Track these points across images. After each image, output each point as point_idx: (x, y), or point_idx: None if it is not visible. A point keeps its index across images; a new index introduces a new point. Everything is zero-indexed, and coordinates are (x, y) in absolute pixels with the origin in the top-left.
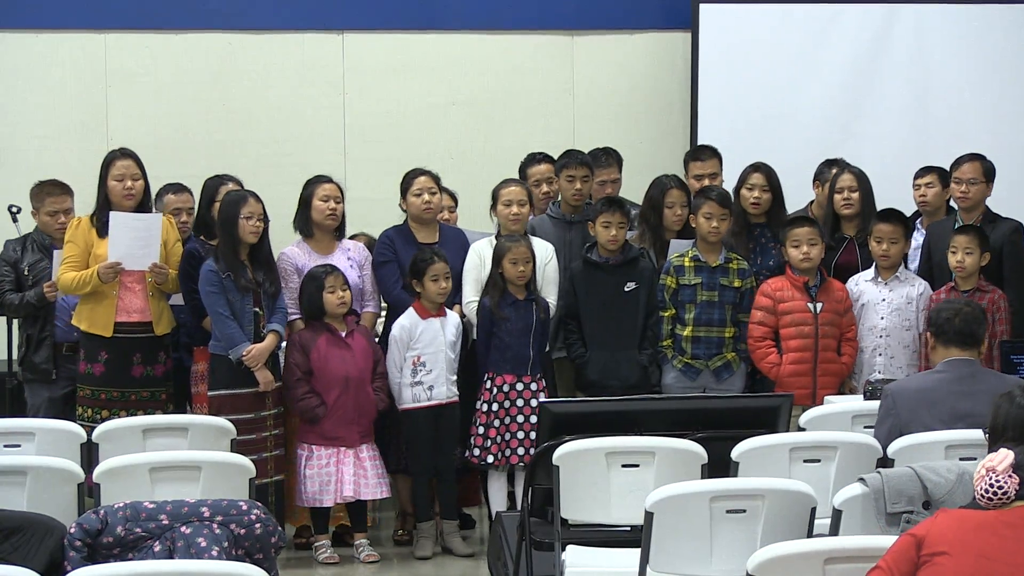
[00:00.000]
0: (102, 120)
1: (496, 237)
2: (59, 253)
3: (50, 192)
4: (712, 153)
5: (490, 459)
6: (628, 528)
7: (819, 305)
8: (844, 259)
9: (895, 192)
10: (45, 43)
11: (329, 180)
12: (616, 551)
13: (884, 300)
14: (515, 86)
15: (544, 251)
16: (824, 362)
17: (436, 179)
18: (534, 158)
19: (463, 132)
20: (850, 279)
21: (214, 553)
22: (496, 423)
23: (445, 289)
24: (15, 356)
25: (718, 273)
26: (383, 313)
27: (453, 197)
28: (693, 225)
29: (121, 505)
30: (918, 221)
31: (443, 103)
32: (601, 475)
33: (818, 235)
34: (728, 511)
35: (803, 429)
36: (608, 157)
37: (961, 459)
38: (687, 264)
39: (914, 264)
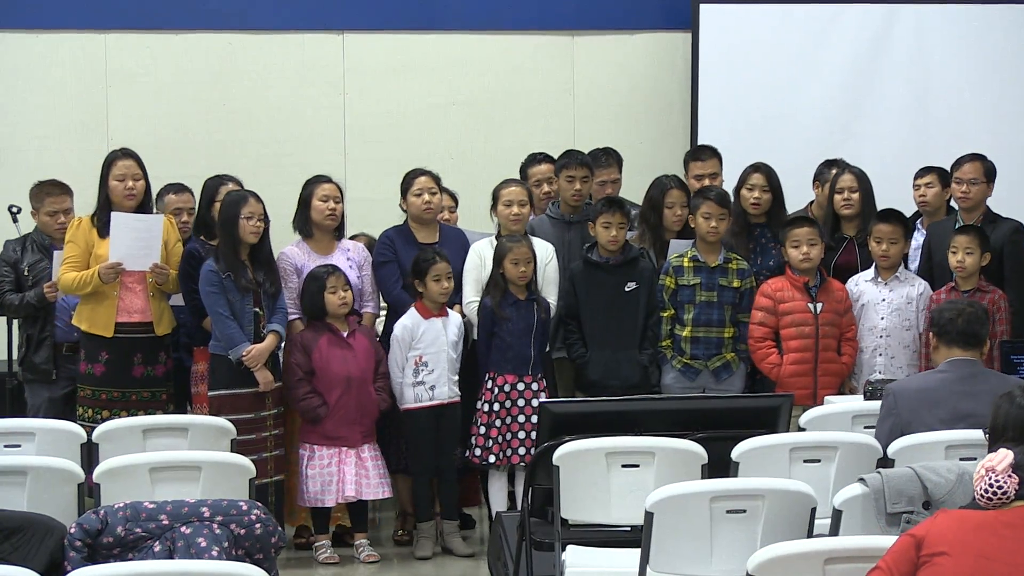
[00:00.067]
0: (102, 120)
1: (496, 237)
2: (59, 253)
3: (50, 192)
4: (712, 153)
5: (491, 459)
6: (628, 528)
7: (819, 305)
8: (844, 259)
9: (895, 192)
10: (45, 43)
11: (328, 180)
12: (616, 551)
13: (884, 300)
14: (515, 86)
15: (544, 251)
16: (824, 362)
17: (436, 179)
18: (535, 158)
19: (463, 132)
20: (850, 279)
21: (214, 553)
22: (497, 423)
23: (447, 289)
24: (15, 356)
25: (717, 273)
26: (382, 313)
27: (453, 197)
28: (692, 225)
29: (121, 505)
30: (918, 221)
31: (443, 103)
32: (601, 475)
33: (818, 235)
34: (728, 511)
35: (803, 429)
36: (608, 157)
37: (961, 459)
38: (686, 264)
39: (914, 264)
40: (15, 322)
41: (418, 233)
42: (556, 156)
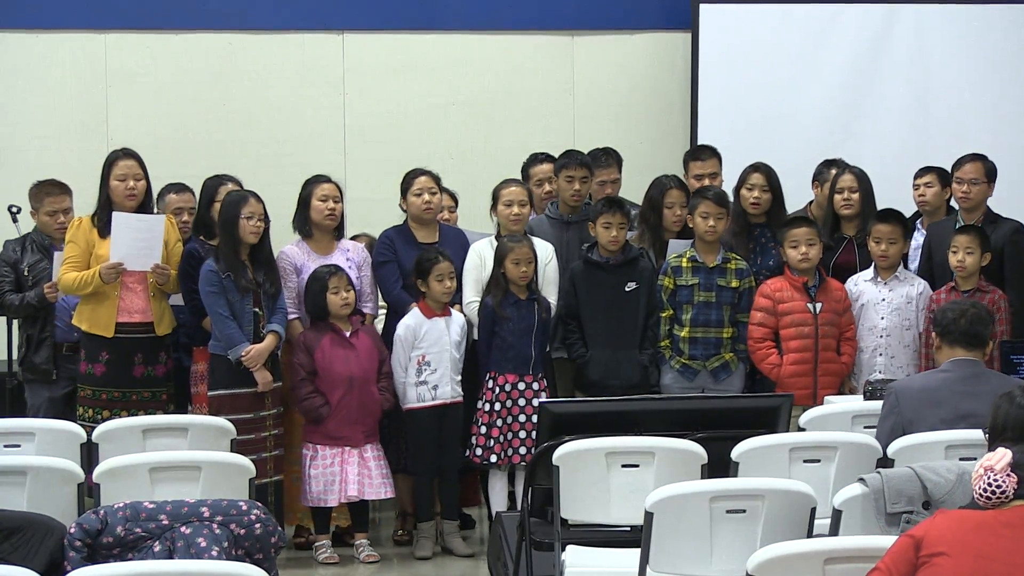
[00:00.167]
0: (102, 120)
1: (497, 237)
2: (59, 254)
3: (49, 192)
4: (712, 153)
5: (492, 459)
6: (628, 528)
7: (818, 305)
8: (843, 259)
9: (895, 192)
10: (45, 43)
11: (328, 180)
12: (616, 551)
13: (884, 300)
14: (515, 86)
15: (545, 251)
16: (824, 362)
17: (436, 179)
18: (536, 158)
19: (463, 132)
20: (849, 279)
21: (214, 553)
22: (498, 423)
23: (450, 289)
24: (15, 356)
25: (715, 273)
26: (381, 313)
27: (453, 197)
28: (691, 225)
29: (121, 505)
30: (918, 221)
31: (443, 103)
32: (601, 475)
33: (816, 235)
34: (728, 511)
35: (803, 429)
36: (608, 157)
37: (961, 459)
38: (684, 265)
39: (914, 264)
40: (15, 322)
41: (418, 233)
42: (557, 156)
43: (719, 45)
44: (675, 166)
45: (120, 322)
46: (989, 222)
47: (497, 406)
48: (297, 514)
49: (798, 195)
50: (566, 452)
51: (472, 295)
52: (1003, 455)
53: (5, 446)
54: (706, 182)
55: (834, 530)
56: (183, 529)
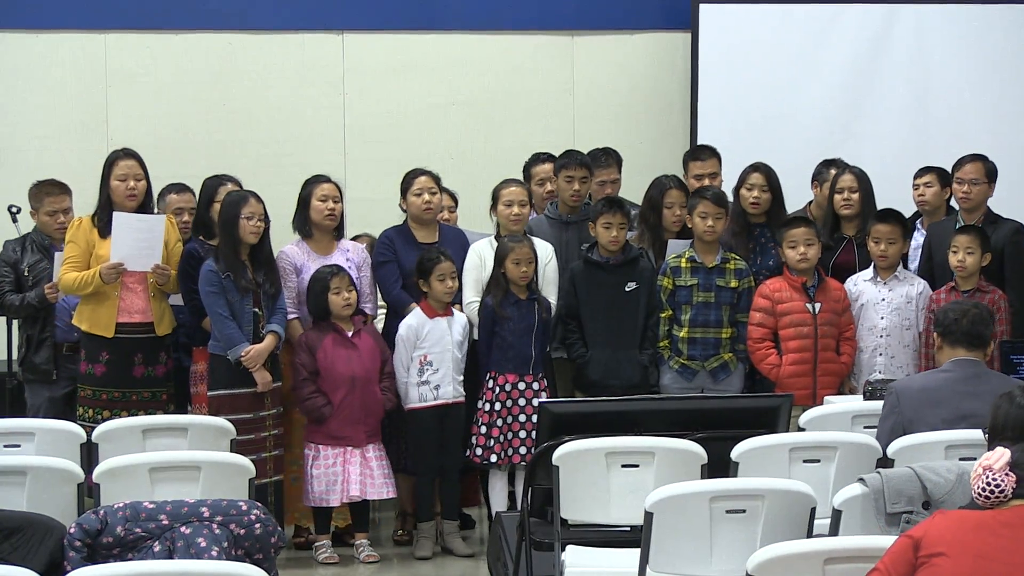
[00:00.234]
0: (102, 120)
1: (496, 237)
2: (60, 254)
3: (49, 192)
4: (711, 153)
5: (492, 458)
6: (628, 528)
7: (817, 305)
8: (842, 259)
9: (895, 192)
10: (45, 43)
11: (327, 180)
12: (616, 551)
13: (884, 300)
14: (515, 86)
15: (544, 251)
16: (824, 362)
17: (436, 179)
18: (539, 157)
19: (463, 132)
20: (848, 279)
21: (214, 553)
22: (498, 423)
23: (452, 288)
24: (15, 356)
25: (714, 274)
26: (381, 314)
27: (453, 197)
28: (689, 225)
29: (121, 505)
30: (918, 221)
31: (443, 103)
32: (601, 475)
33: (814, 235)
34: (728, 511)
35: (803, 429)
36: (608, 157)
37: (961, 459)
38: (683, 265)
39: (914, 264)
40: (15, 322)
41: (418, 233)
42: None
43: (719, 45)
44: (675, 166)
45: (120, 322)
46: (989, 222)
47: (497, 406)
48: (295, 514)
49: (798, 195)
50: (566, 452)
51: (472, 295)
52: (1002, 454)
53: (5, 446)
54: (706, 182)
55: (834, 530)
56: (183, 529)
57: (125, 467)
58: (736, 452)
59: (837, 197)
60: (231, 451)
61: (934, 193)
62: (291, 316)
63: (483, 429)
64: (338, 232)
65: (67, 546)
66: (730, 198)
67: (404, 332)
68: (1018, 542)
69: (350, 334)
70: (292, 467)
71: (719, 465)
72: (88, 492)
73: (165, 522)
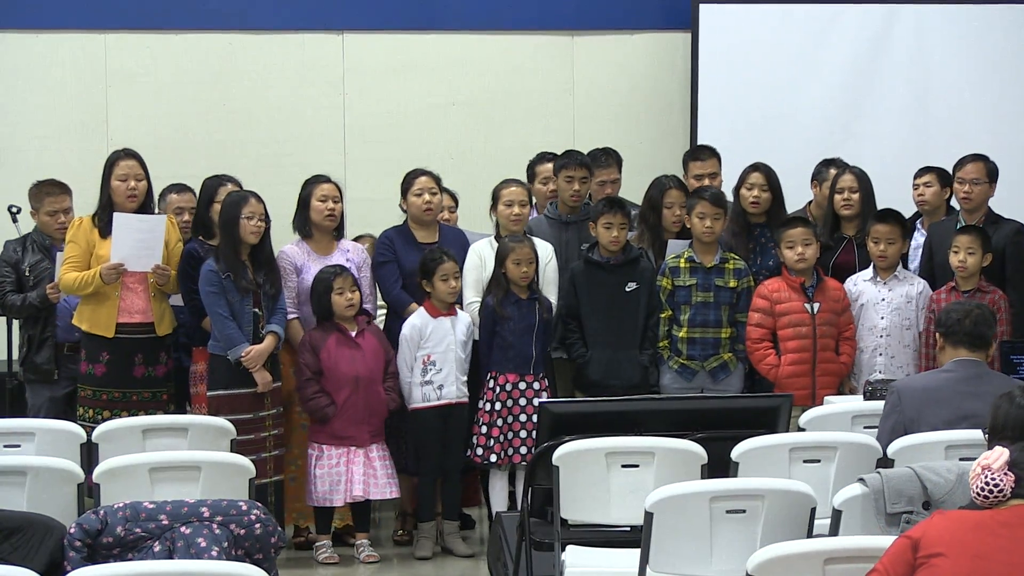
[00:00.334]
0: (102, 120)
1: (496, 238)
2: (61, 255)
3: (49, 192)
4: (711, 153)
5: (493, 458)
6: (628, 528)
7: (816, 305)
8: (843, 259)
9: (895, 192)
10: (45, 43)
11: (327, 180)
12: (616, 551)
13: (884, 300)
14: (515, 86)
15: (544, 251)
16: (823, 362)
17: (437, 179)
18: (543, 156)
19: (463, 132)
20: (848, 279)
21: (214, 553)
22: (499, 422)
23: (455, 288)
24: (15, 356)
25: (713, 274)
26: (381, 314)
27: (454, 197)
28: (688, 226)
29: (121, 505)
30: (919, 221)
31: (443, 103)
32: (601, 475)
33: (812, 235)
34: (728, 511)
35: (803, 429)
36: (608, 157)
37: (961, 459)
38: (682, 265)
39: (914, 264)
40: (15, 322)
41: (418, 233)
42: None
43: (719, 45)
44: (675, 166)
45: (120, 322)
46: (990, 222)
47: (498, 406)
48: (293, 514)
49: (798, 195)
50: (566, 452)
51: (472, 295)
52: (1000, 454)
53: (5, 446)
54: (706, 182)
55: (834, 530)
56: (183, 529)
57: (125, 467)
58: (736, 452)
59: (837, 197)
60: (231, 451)
61: (934, 193)
62: (291, 316)
63: (483, 429)
64: (338, 232)
65: (67, 546)
66: (730, 198)
67: (408, 332)
68: (1017, 542)
69: (354, 334)
70: (290, 467)
71: (719, 465)
72: (88, 492)
73: (165, 522)
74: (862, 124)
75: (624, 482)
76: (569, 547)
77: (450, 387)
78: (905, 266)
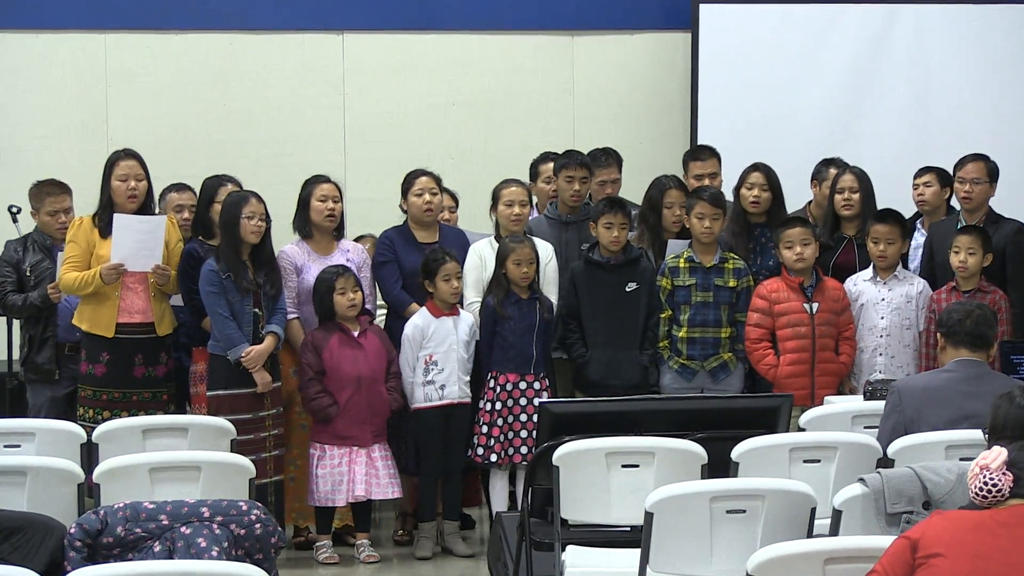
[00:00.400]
0: (102, 120)
1: (496, 238)
2: (63, 255)
3: (49, 192)
4: (711, 153)
5: (493, 458)
6: (628, 528)
7: (815, 305)
8: (843, 259)
9: (895, 192)
10: (45, 43)
11: (327, 180)
12: (616, 551)
13: (884, 300)
14: (515, 86)
15: (545, 251)
16: (822, 362)
17: (437, 180)
18: (546, 156)
19: (463, 132)
20: (848, 279)
21: (214, 553)
22: (499, 422)
23: (457, 289)
24: (15, 356)
25: (713, 273)
26: (381, 314)
27: (454, 198)
28: (687, 226)
29: (121, 505)
30: (919, 221)
31: (443, 103)
32: (601, 475)
33: (811, 235)
34: (728, 511)
35: (803, 429)
36: (608, 157)
37: (961, 459)
38: (682, 265)
39: (914, 264)
40: (15, 322)
41: (418, 233)
42: None
43: (719, 45)
44: (675, 166)
45: (120, 322)
46: (991, 222)
47: (498, 405)
48: (293, 514)
49: (798, 195)
50: (566, 452)
51: (473, 295)
52: (998, 454)
53: (5, 446)
54: (706, 182)
55: (834, 530)
56: (183, 529)
57: (125, 467)
58: (736, 452)
59: (838, 197)
60: (231, 451)
61: (933, 193)
62: (291, 316)
63: (484, 428)
64: (338, 232)
65: (67, 546)
66: (730, 198)
67: (410, 331)
68: (1016, 541)
69: (356, 334)
70: (290, 467)
71: (719, 465)
72: (88, 492)
73: (165, 522)
74: (862, 124)
75: (624, 482)
76: (569, 547)
77: (452, 387)
78: (905, 266)
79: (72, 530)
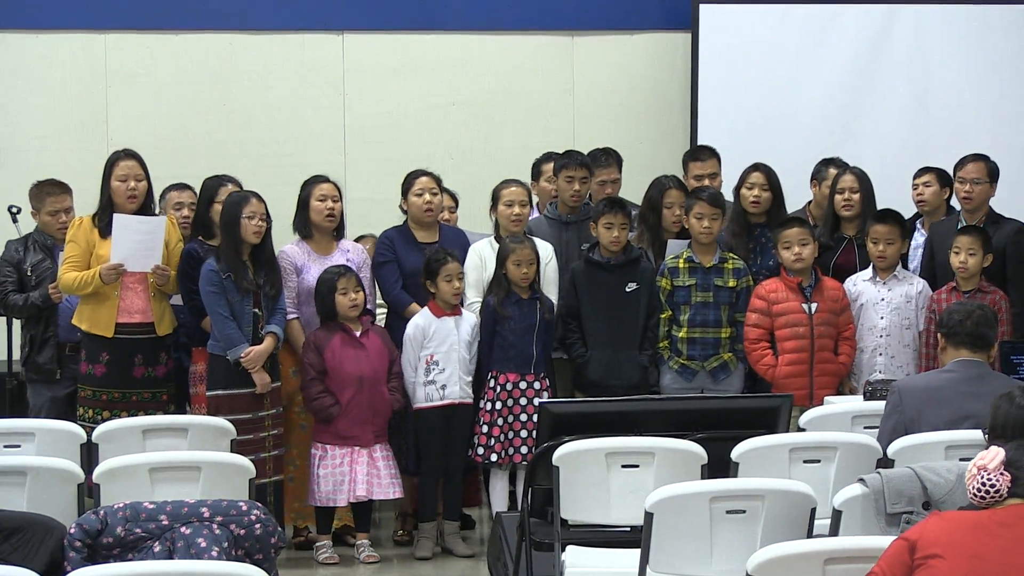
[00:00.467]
0: (102, 120)
1: (496, 238)
2: (63, 255)
3: (50, 192)
4: (711, 153)
5: (493, 457)
6: (628, 528)
7: (814, 305)
8: (843, 259)
9: (895, 192)
10: (45, 43)
11: (326, 180)
12: (616, 551)
13: (883, 300)
14: (515, 86)
15: (545, 252)
16: (821, 362)
17: (438, 180)
18: (549, 156)
19: (463, 133)
20: (848, 279)
21: (214, 553)
22: (500, 422)
23: (459, 289)
24: (15, 357)
25: (712, 274)
26: (381, 313)
27: (454, 198)
28: (687, 226)
29: (121, 505)
30: (919, 221)
31: (443, 103)
32: (601, 475)
33: (809, 235)
34: (728, 511)
35: (803, 430)
36: (608, 157)
37: (961, 460)
38: (681, 266)
39: (914, 264)
40: (16, 322)
41: (418, 233)
42: None
43: (719, 45)
44: (675, 166)
45: (120, 322)
46: (991, 222)
47: (499, 405)
48: (292, 514)
49: (798, 195)
50: (566, 452)
51: (473, 295)
52: (996, 454)
53: (5, 446)
54: (705, 182)
55: (834, 530)
56: (183, 529)
57: (125, 467)
58: (736, 452)
59: (838, 198)
60: (231, 451)
61: (932, 193)
62: (290, 316)
63: (484, 428)
64: (338, 232)
65: (67, 546)
66: (730, 198)
67: (412, 331)
68: (1014, 541)
69: (358, 334)
70: (289, 467)
71: (719, 465)
72: (88, 492)
73: (165, 522)
74: (862, 124)
75: (624, 482)
76: (569, 547)
77: (453, 387)
78: (904, 266)
79: (72, 530)
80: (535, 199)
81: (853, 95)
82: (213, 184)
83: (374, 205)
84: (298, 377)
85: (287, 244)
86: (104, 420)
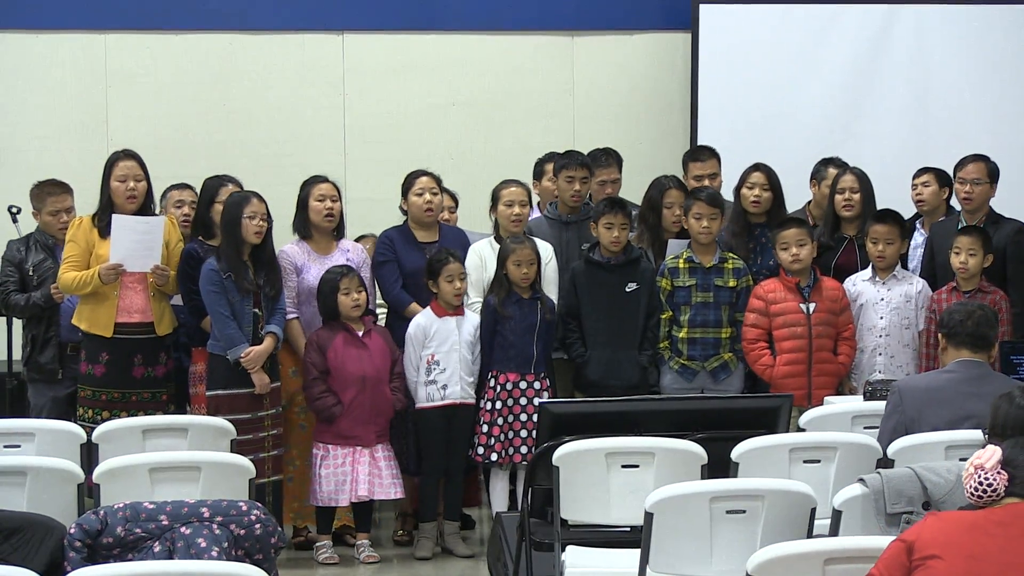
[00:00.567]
0: (102, 120)
1: (496, 238)
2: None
3: (51, 192)
4: (711, 154)
5: (493, 457)
6: (628, 528)
7: (812, 306)
8: (843, 259)
9: (895, 192)
10: (45, 43)
11: (325, 180)
12: (616, 552)
13: (883, 300)
14: (515, 87)
15: (545, 252)
16: (819, 362)
17: (438, 180)
18: (551, 156)
19: (463, 133)
20: (847, 279)
21: (214, 553)
22: (500, 421)
23: (460, 289)
24: (16, 356)
25: (712, 274)
26: (381, 313)
27: (454, 198)
28: (686, 226)
29: (121, 505)
30: (919, 222)
31: (443, 104)
32: (601, 476)
33: (807, 236)
34: (728, 511)
35: (803, 430)
36: (608, 157)
37: (961, 460)
38: (681, 266)
39: (913, 264)
40: (16, 322)
41: (418, 233)
42: None
43: (719, 45)
44: (675, 166)
45: (120, 322)
46: (991, 222)
47: (499, 405)
48: (291, 514)
49: (798, 194)
50: (566, 452)
51: (473, 295)
52: (993, 453)
53: (5, 446)
54: (705, 183)
55: (834, 530)
56: (183, 529)
57: (125, 467)
58: (736, 452)
59: (838, 198)
60: (231, 451)
61: (932, 193)
62: (290, 316)
63: (484, 428)
64: (338, 232)
65: (67, 546)
66: (730, 198)
67: (413, 331)
68: (1012, 541)
69: (360, 334)
70: (289, 467)
71: (719, 465)
72: (88, 492)
73: (165, 522)
74: (862, 124)
75: (624, 482)
76: (569, 547)
77: (454, 387)
78: (904, 266)
79: (72, 530)
80: (536, 199)
81: (853, 95)
82: (214, 184)
83: (374, 205)
84: (298, 377)
85: (287, 244)
86: (104, 420)
